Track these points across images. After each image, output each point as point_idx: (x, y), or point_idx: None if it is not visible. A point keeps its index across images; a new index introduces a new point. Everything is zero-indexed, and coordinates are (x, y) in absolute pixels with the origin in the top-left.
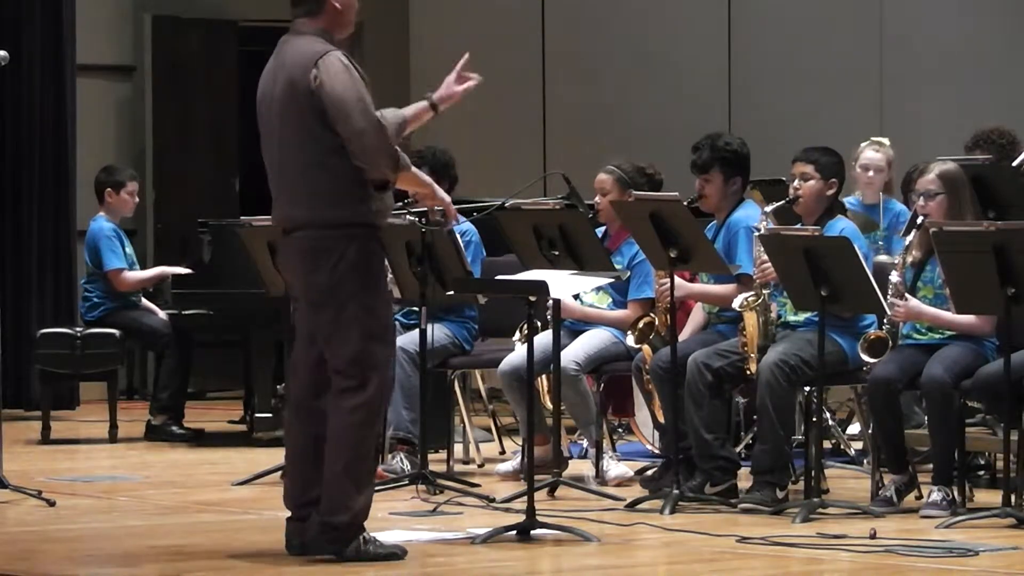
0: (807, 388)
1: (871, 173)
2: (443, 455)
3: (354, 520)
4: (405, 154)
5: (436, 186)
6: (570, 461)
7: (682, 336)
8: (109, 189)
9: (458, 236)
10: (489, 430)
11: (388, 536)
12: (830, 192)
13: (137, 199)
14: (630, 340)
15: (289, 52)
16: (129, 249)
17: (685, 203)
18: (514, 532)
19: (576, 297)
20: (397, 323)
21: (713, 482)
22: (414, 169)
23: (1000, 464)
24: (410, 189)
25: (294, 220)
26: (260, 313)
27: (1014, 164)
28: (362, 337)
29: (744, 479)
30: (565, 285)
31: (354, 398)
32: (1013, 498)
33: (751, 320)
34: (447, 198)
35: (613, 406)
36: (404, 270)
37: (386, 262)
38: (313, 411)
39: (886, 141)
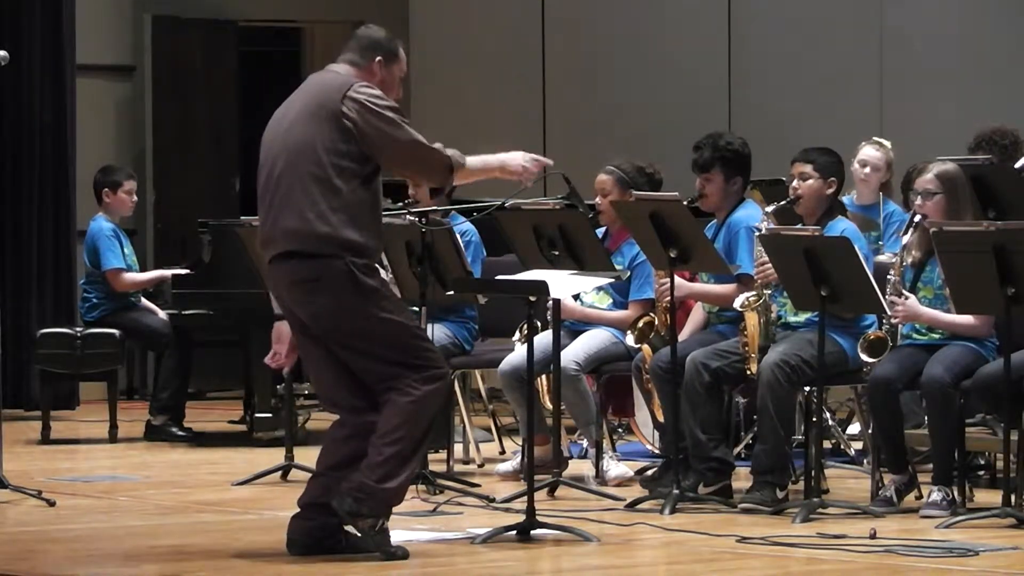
0: (807, 388)
1: (867, 170)
2: (443, 455)
3: (388, 496)
4: (453, 152)
5: (505, 158)
6: (570, 461)
7: (682, 336)
8: (106, 189)
9: (458, 236)
10: (489, 430)
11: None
12: (829, 192)
13: (135, 198)
14: (630, 340)
15: (316, 81)
16: (129, 249)
17: (685, 203)
18: (514, 532)
19: (576, 297)
20: None
21: (706, 482)
22: (470, 160)
23: (1000, 464)
24: (481, 178)
25: (286, 230)
26: (260, 313)
27: (1016, 166)
28: (389, 346)
29: (743, 479)
30: (565, 285)
31: (414, 386)
32: (1013, 498)
33: (752, 320)
34: (525, 161)
35: (613, 406)
36: (404, 270)
37: (383, 271)
38: (358, 427)
39: (887, 143)
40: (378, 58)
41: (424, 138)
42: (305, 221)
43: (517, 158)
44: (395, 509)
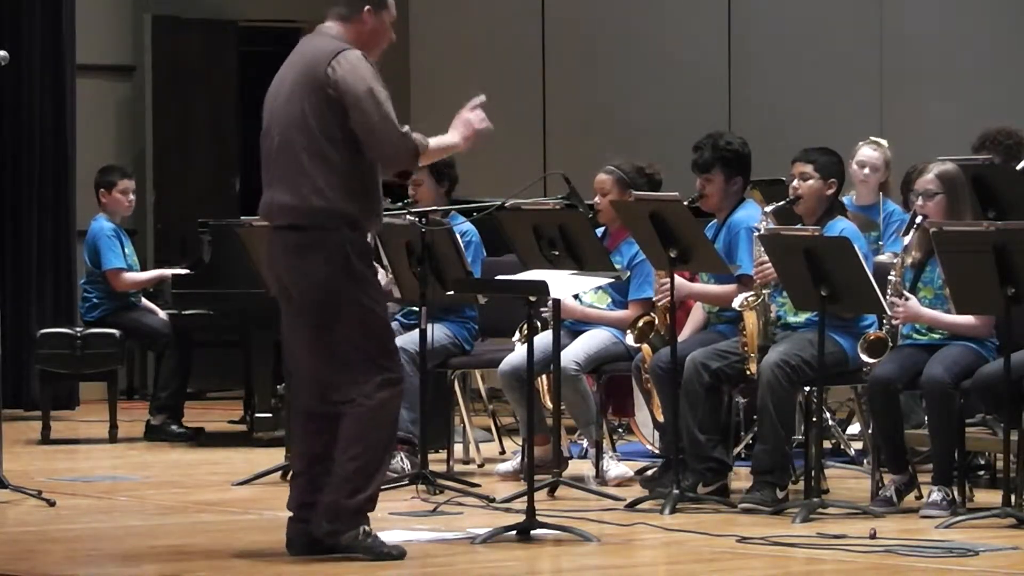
0: (807, 388)
1: (867, 171)
2: (443, 455)
3: (359, 507)
4: (417, 136)
5: (456, 137)
6: (570, 461)
7: (682, 336)
8: (102, 189)
9: (458, 236)
10: (489, 430)
11: (388, 536)
12: (829, 192)
13: (132, 197)
14: (630, 339)
15: (308, 46)
16: (129, 249)
17: (685, 203)
18: (514, 532)
19: (576, 297)
20: (397, 323)
21: (704, 482)
22: (432, 142)
23: (1000, 464)
24: (442, 157)
25: (282, 205)
26: (260, 313)
27: (1019, 168)
28: (364, 335)
29: (743, 479)
30: (565, 285)
31: (368, 395)
32: (1013, 498)
33: (751, 320)
34: (469, 132)
35: (613, 406)
36: (404, 270)
37: (377, 262)
38: (325, 417)
39: (884, 142)
40: (367, 7)
41: (397, 121)
42: (301, 197)
43: (463, 130)
44: (395, 509)
